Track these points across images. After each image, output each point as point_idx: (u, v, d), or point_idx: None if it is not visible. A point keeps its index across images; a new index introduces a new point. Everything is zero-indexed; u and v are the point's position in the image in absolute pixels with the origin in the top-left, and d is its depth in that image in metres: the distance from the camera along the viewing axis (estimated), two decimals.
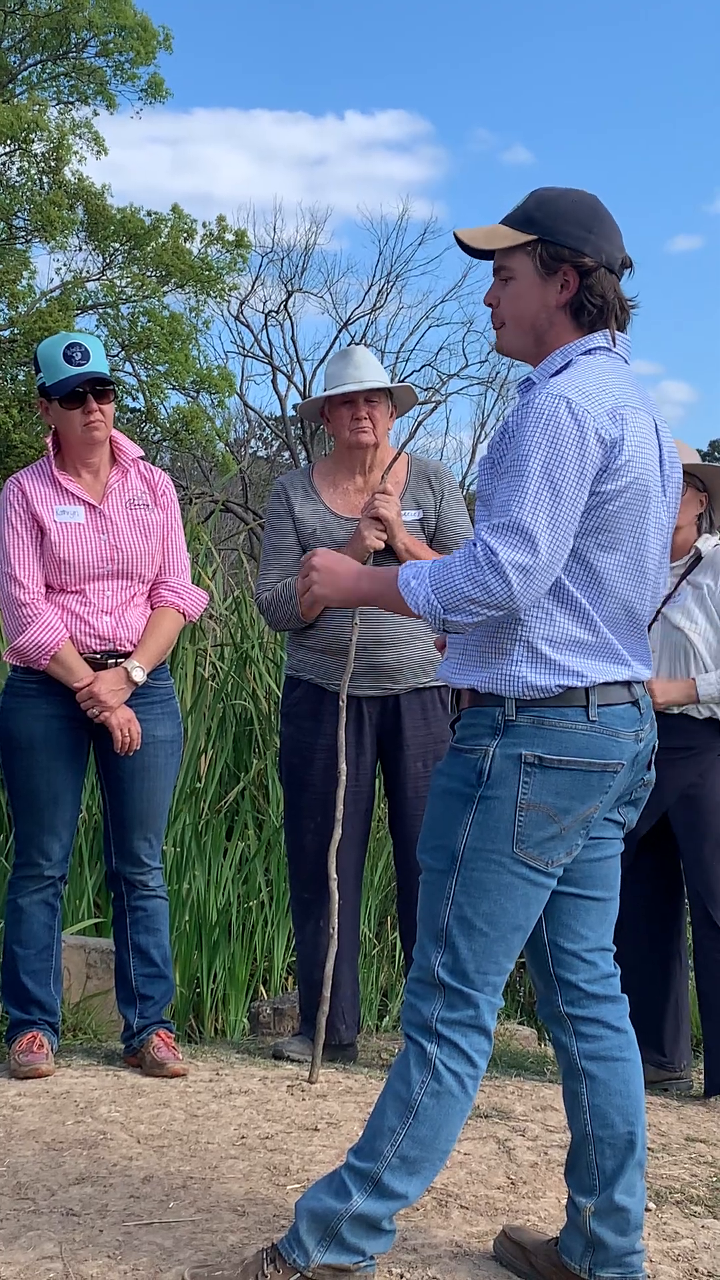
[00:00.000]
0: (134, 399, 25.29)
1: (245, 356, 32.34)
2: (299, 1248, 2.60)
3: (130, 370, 25.39)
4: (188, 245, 25.24)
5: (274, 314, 32.33)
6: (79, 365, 4.00)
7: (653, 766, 2.77)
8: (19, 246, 24.52)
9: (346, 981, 4.34)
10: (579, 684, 2.57)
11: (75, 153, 24.78)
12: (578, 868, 2.71)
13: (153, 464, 4.34)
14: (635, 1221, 2.72)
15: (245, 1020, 5.56)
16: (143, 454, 4.30)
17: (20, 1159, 3.37)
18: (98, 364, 4.04)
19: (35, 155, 24.41)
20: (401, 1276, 2.79)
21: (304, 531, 4.29)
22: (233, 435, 31.02)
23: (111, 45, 25.23)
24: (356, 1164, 2.61)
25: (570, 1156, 2.76)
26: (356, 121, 49.79)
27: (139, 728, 4.04)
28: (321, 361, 31.59)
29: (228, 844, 6.51)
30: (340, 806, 4.10)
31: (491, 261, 2.75)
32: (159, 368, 25.42)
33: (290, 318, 32.47)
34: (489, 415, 33.34)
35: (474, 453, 33.32)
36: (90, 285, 25.77)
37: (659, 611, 4.28)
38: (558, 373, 2.61)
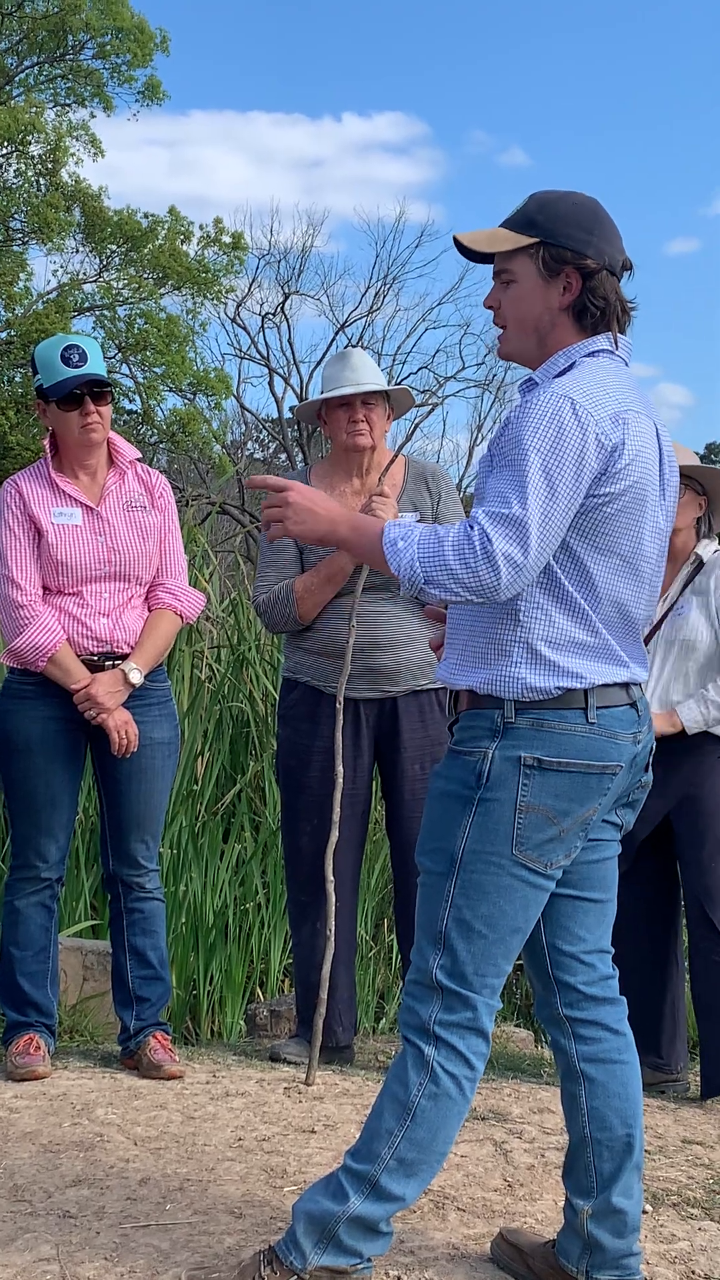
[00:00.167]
0: (131, 401, 25.33)
1: (242, 359, 32.38)
2: (296, 1250, 2.60)
3: (127, 372, 25.42)
4: (185, 247, 25.28)
5: (271, 316, 32.37)
6: (76, 367, 4.00)
7: (650, 769, 2.77)
8: (15, 248, 24.54)
9: (343, 984, 4.34)
10: (578, 686, 2.57)
11: (72, 155, 24.82)
12: (576, 870, 2.71)
13: (149, 466, 4.34)
14: (632, 1224, 2.72)
15: (242, 1022, 5.55)
16: (140, 456, 4.30)
17: (17, 1161, 3.36)
18: (95, 366, 4.04)
19: (32, 157, 24.44)
20: (398, 1278, 2.79)
21: None
22: (229, 437, 31.04)
23: (108, 47, 25.27)
24: (354, 1166, 2.61)
25: (568, 1159, 2.76)
26: (353, 124, 49.89)
27: (136, 730, 4.04)
28: (318, 364, 31.63)
29: (224, 846, 6.51)
30: (337, 809, 4.10)
31: (489, 265, 2.75)
32: (156, 370, 25.45)
33: (287, 320, 32.51)
34: (486, 418, 33.40)
35: (470, 455, 33.39)
36: (87, 287, 25.80)
37: (662, 620, 4.28)
38: (561, 374, 2.61)
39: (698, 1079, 4.40)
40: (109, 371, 4.11)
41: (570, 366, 2.62)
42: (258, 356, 32.46)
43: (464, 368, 32.94)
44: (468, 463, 33.04)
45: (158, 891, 4.20)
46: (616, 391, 2.58)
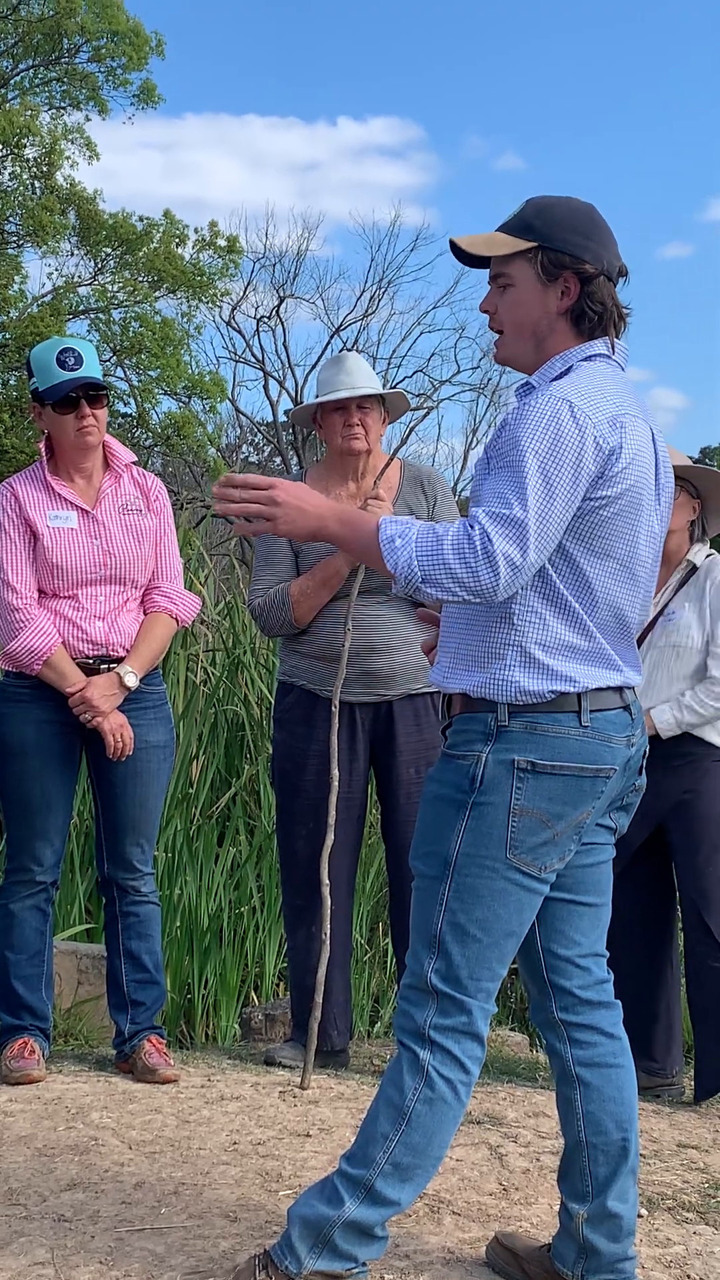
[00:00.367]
0: (125, 404, 25.30)
1: (237, 362, 32.40)
2: (291, 1254, 2.60)
3: (122, 375, 25.40)
4: (180, 250, 25.24)
5: (266, 319, 32.39)
6: (72, 370, 4.00)
7: (644, 772, 2.77)
8: (10, 251, 24.52)
9: (338, 987, 4.33)
10: (572, 689, 2.57)
11: (67, 158, 24.79)
12: (570, 873, 2.71)
13: (144, 469, 4.34)
14: (628, 1228, 2.72)
15: (237, 1026, 5.55)
16: (136, 459, 4.30)
17: (11, 1165, 3.36)
18: (91, 369, 4.04)
19: (27, 160, 24.41)
20: None
21: None
22: (224, 441, 31.04)
23: (104, 50, 25.24)
24: (349, 1170, 2.61)
25: (563, 1163, 2.76)
26: (349, 127, 49.89)
27: (131, 733, 4.03)
28: (313, 367, 31.63)
29: (219, 850, 6.51)
30: (333, 812, 4.10)
31: (484, 270, 2.75)
32: (151, 373, 25.41)
33: (282, 323, 32.54)
34: (481, 421, 33.42)
35: (466, 459, 33.38)
36: (82, 290, 25.77)
37: (653, 623, 4.28)
38: (558, 378, 2.62)
39: (693, 1083, 4.39)
40: (104, 375, 4.10)
41: (567, 370, 2.63)
42: (253, 360, 32.51)
43: (459, 371, 32.99)
44: (463, 466, 33.08)
45: (153, 895, 4.20)
46: (613, 395, 2.58)
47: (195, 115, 51.97)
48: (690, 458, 4.55)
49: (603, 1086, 2.70)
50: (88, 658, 4.03)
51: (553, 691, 2.56)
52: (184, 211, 54.39)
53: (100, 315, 25.53)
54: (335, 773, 4.10)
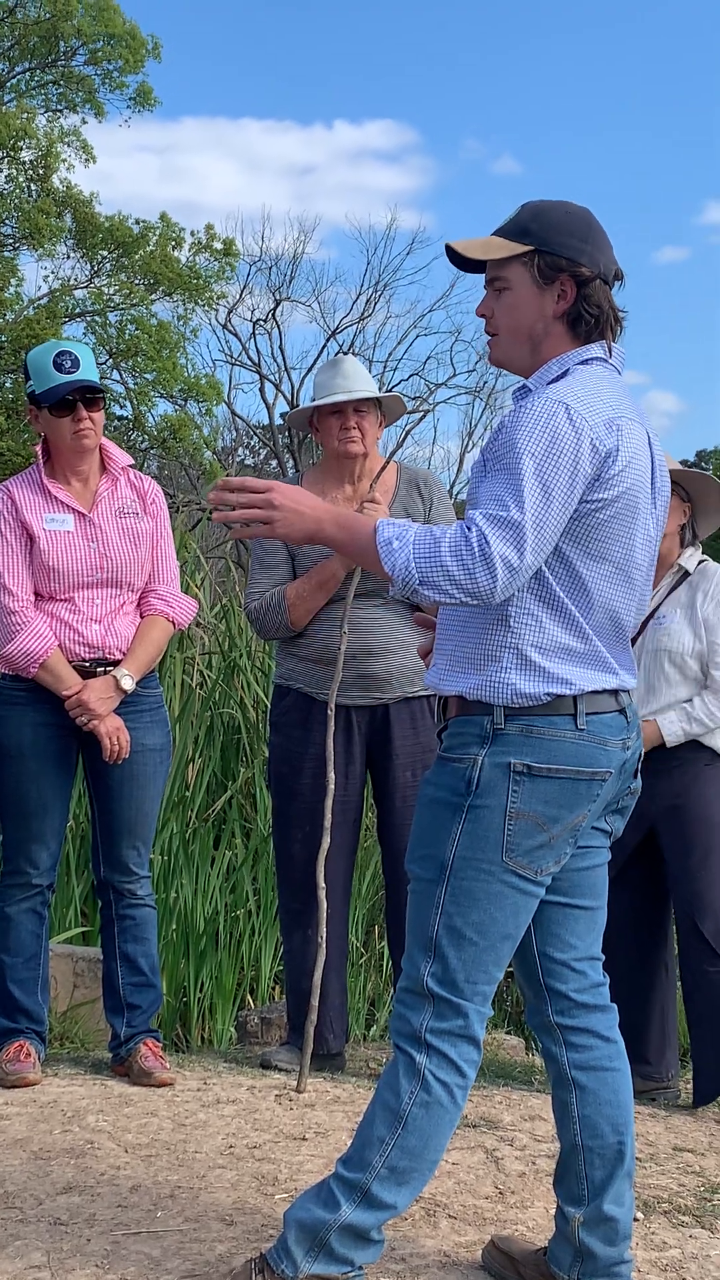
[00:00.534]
0: (121, 407, 25.29)
1: (233, 365, 32.37)
2: (287, 1258, 2.60)
3: (118, 378, 25.39)
4: (176, 253, 25.24)
5: (262, 322, 32.36)
6: (69, 373, 4.00)
7: (639, 775, 2.77)
8: (7, 254, 24.51)
9: (334, 991, 4.33)
10: (568, 692, 2.57)
11: (63, 160, 24.79)
12: (566, 877, 2.71)
13: (141, 472, 4.34)
14: (624, 1231, 2.72)
15: (232, 1029, 5.55)
16: (132, 462, 4.30)
17: (7, 1168, 3.36)
18: (88, 372, 4.04)
19: (23, 163, 24.41)
20: None
21: None
22: (220, 443, 31.01)
23: (100, 53, 25.24)
24: (345, 1174, 2.61)
25: (559, 1166, 2.76)
26: (345, 131, 49.92)
27: (128, 736, 4.03)
28: (309, 370, 31.62)
29: (215, 853, 6.51)
30: (329, 815, 4.10)
31: (479, 274, 2.76)
32: (147, 376, 25.41)
33: (278, 326, 32.50)
34: (476, 425, 33.40)
35: (461, 462, 33.39)
36: (78, 293, 25.77)
37: (643, 626, 4.28)
38: (555, 381, 2.62)
39: (689, 1086, 4.40)
40: (100, 377, 4.10)
41: (564, 374, 2.63)
42: (249, 363, 32.48)
43: (455, 375, 32.96)
44: (458, 470, 33.08)
45: (149, 898, 4.20)
46: (610, 398, 2.58)
47: (192, 118, 51.99)
48: (685, 461, 4.56)
49: (599, 1090, 2.71)
50: (84, 661, 4.03)
51: (548, 694, 2.56)
52: (180, 214, 54.25)
53: (96, 318, 25.53)
54: (332, 776, 4.10)
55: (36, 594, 4.04)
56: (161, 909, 5.60)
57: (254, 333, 32.35)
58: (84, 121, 25.90)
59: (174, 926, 5.76)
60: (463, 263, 2.74)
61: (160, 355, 24.73)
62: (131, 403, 25.37)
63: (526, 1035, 5.55)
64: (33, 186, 24.53)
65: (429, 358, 33.71)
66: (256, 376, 32.46)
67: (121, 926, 4.15)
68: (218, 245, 25.63)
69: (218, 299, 27.34)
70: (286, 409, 31.31)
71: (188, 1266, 2.85)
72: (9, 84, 25.76)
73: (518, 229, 2.67)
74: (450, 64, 49.82)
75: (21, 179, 24.51)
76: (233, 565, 12.72)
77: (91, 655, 4.04)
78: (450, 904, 2.58)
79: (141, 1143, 3.57)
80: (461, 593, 2.47)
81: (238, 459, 32.62)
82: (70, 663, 4.01)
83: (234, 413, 32.57)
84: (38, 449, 4.18)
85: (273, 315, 32.28)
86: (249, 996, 6.01)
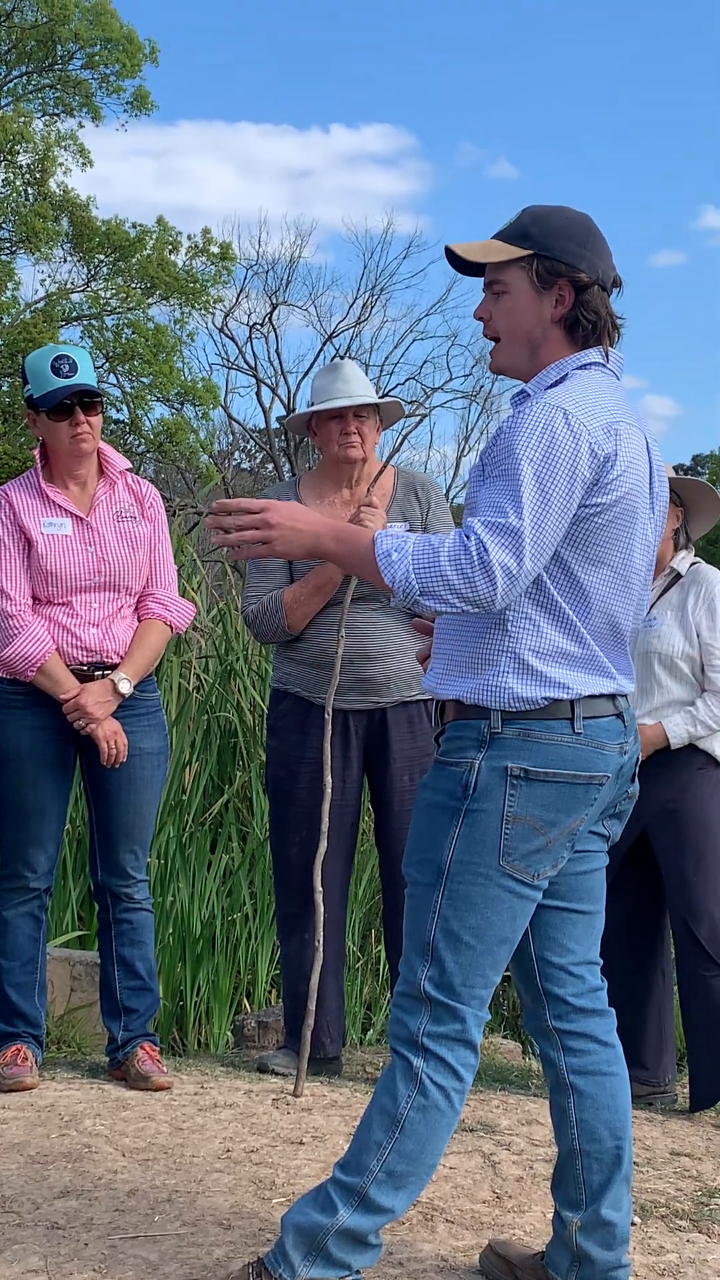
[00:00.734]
0: (118, 411, 25.30)
1: (230, 369, 32.37)
2: (285, 1262, 2.59)
3: (114, 382, 25.40)
4: (172, 257, 25.26)
5: (258, 326, 32.38)
6: (67, 377, 4.00)
7: (636, 779, 2.77)
8: (3, 258, 24.52)
9: (331, 995, 4.33)
10: (565, 696, 2.57)
11: (60, 164, 24.81)
12: (563, 881, 2.71)
13: (138, 476, 4.34)
14: (621, 1236, 2.72)
15: (229, 1033, 5.55)
16: (130, 466, 4.30)
17: (5, 1172, 3.36)
18: (85, 376, 4.04)
19: (20, 167, 24.43)
20: None
21: None
22: (217, 447, 31.02)
23: (97, 57, 25.26)
24: (342, 1178, 2.61)
25: (557, 1171, 2.76)
26: (341, 135, 50.01)
27: (125, 740, 4.03)
28: (306, 374, 31.64)
29: (212, 856, 6.51)
30: (326, 820, 4.10)
31: (478, 277, 2.76)
32: (143, 380, 25.42)
33: (275, 330, 32.53)
34: (473, 429, 33.43)
35: (458, 466, 33.40)
36: (75, 297, 25.79)
37: None
38: (553, 386, 2.62)
39: (685, 1091, 4.40)
40: (97, 381, 4.11)
41: (563, 379, 2.63)
42: (245, 367, 32.49)
43: (451, 379, 33.01)
44: (455, 473, 33.10)
45: (146, 902, 4.20)
46: (609, 403, 2.59)
47: (188, 122, 52.09)
48: (680, 465, 4.57)
49: (597, 1094, 2.70)
50: (82, 664, 4.03)
51: (546, 698, 2.56)
52: (177, 218, 54.47)
53: (93, 322, 25.55)
54: (329, 780, 4.10)
55: (34, 598, 4.04)
56: (158, 913, 5.60)
57: (250, 337, 32.40)
58: (81, 125, 25.95)
59: (170, 931, 5.76)
60: (462, 265, 2.75)
61: (157, 359, 24.75)
62: (128, 406, 25.39)
63: (523, 1039, 5.55)
64: (29, 190, 24.55)
65: (425, 362, 33.81)
66: (253, 380, 32.50)
67: (119, 930, 4.15)
68: (214, 249, 25.66)
69: (214, 303, 27.38)
70: (283, 413, 31.34)
71: (185, 1271, 2.85)
72: (6, 88, 25.77)
73: (517, 233, 2.67)
74: (447, 69, 49.92)
75: (18, 183, 24.53)
76: (229, 569, 12.72)
77: (89, 659, 4.04)
78: (447, 908, 2.58)
79: (139, 1147, 3.57)
80: (462, 601, 2.47)
81: (234, 463, 32.64)
82: (68, 666, 4.01)
83: (230, 416, 32.60)
84: (36, 453, 4.18)
85: (269, 319, 32.32)
86: (245, 1000, 6.01)
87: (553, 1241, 2.76)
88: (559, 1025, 2.73)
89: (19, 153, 24.06)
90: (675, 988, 4.51)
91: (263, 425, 32.59)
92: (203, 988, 5.72)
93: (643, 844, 4.34)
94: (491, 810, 2.55)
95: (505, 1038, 5.70)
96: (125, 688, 4.03)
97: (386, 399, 4.41)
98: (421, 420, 31.40)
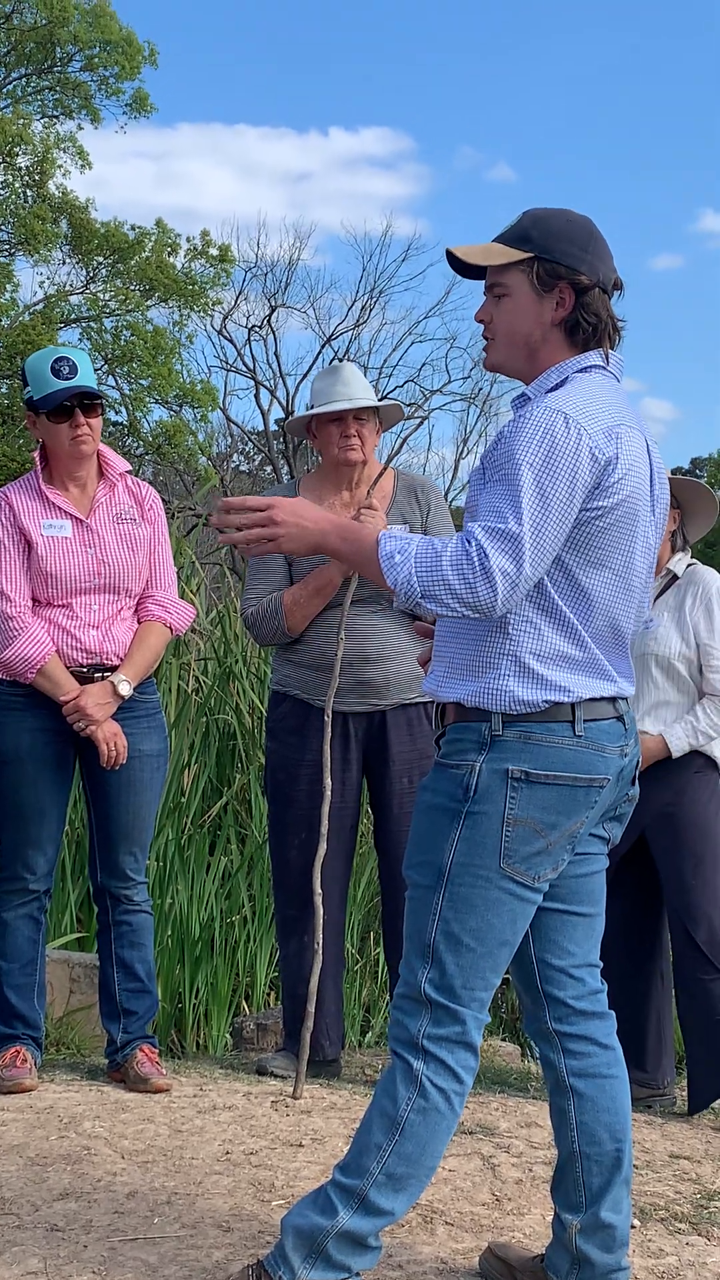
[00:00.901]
0: (117, 413, 25.32)
1: (228, 371, 32.39)
2: (284, 1264, 2.59)
3: (113, 384, 25.41)
4: (171, 260, 25.29)
5: (257, 329, 32.40)
6: (67, 379, 4.00)
7: (637, 782, 2.78)
8: (2, 259, 24.54)
9: (331, 997, 4.33)
10: (566, 699, 2.57)
11: (59, 166, 24.85)
12: (564, 884, 2.71)
13: (138, 478, 4.34)
14: (621, 1239, 2.72)
15: (228, 1035, 5.55)
16: (130, 468, 4.30)
17: (4, 1174, 3.35)
18: (85, 378, 4.04)
19: (19, 168, 24.46)
20: None
21: None
22: (215, 450, 31.04)
23: (97, 60, 25.30)
24: (343, 1180, 2.61)
25: (556, 1173, 2.76)
26: (340, 138, 50.04)
27: (125, 741, 4.03)
28: (305, 377, 31.67)
29: (210, 859, 6.51)
30: (325, 822, 4.10)
31: (478, 280, 2.76)
32: (142, 382, 25.45)
33: (274, 332, 32.54)
34: (471, 431, 33.44)
35: (456, 468, 33.41)
36: (73, 299, 25.81)
37: None
38: (554, 389, 2.62)
39: (684, 1093, 4.40)
40: (97, 383, 4.11)
41: (563, 382, 2.63)
42: (244, 369, 32.51)
43: (450, 381, 33.03)
44: (453, 476, 33.11)
45: (146, 904, 4.20)
46: (609, 406, 2.59)
47: (188, 124, 52.14)
48: (678, 468, 4.58)
49: (597, 1097, 2.71)
50: (82, 666, 4.03)
51: (546, 701, 2.56)
52: (176, 221, 54.54)
53: (92, 324, 25.57)
54: (328, 782, 4.10)
55: (34, 600, 4.04)
56: (157, 915, 5.59)
57: (249, 339, 32.42)
58: (80, 127, 26.00)
59: (169, 933, 5.76)
60: (463, 268, 2.75)
61: (155, 361, 24.77)
62: (127, 408, 25.41)
63: (522, 1042, 5.55)
64: (29, 192, 24.57)
65: (424, 364, 33.73)
66: (251, 382, 32.52)
67: (118, 932, 4.15)
68: (213, 251, 25.70)
69: (213, 305, 27.41)
70: (281, 415, 31.35)
71: (185, 1273, 2.84)
72: (5, 90, 25.79)
73: (518, 236, 2.67)
74: (445, 71, 49.96)
75: (17, 185, 24.56)
76: (228, 571, 12.72)
77: (89, 661, 4.04)
78: (448, 910, 2.58)
79: (138, 1149, 3.56)
80: (463, 605, 2.48)
81: (232, 465, 32.66)
82: (68, 668, 4.01)
83: (229, 419, 32.63)
84: (36, 455, 4.18)
85: (268, 321, 32.33)
86: (244, 1003, 6.01)
87: (552, 1244, 2.76)
88: (559, 1028, 2.73)
89: (18, 155, 24.09)
90: (674, 990, 4.51)
91: (261, 427, 32.63)
92: (201, 990, 5.72)
93: (641, 846, 4.34)
94: (492, 812, 2.55)
95: (504, 1040, 5.70)
96: (125, 689, 4.03)
97: (386, 402, 4.41)
98: (422, 422, 31.45)
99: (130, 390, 25.64)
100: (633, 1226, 3.15)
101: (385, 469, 4.28)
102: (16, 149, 23.88)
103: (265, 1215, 3.15)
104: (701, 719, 4.22)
